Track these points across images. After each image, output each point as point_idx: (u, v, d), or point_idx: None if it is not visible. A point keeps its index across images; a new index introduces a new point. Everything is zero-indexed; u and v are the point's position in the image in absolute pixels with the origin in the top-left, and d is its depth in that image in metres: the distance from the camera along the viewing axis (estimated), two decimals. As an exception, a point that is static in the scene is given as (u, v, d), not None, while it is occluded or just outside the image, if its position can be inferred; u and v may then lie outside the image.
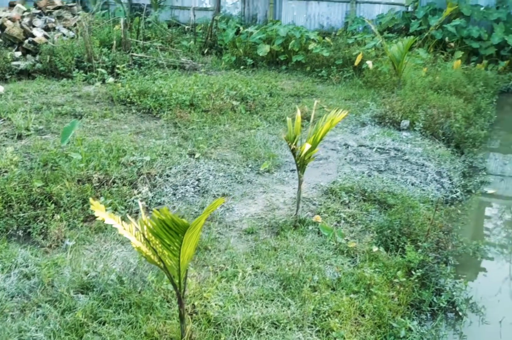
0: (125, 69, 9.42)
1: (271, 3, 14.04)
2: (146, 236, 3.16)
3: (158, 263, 3.27)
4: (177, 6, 14.98)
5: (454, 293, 4.32)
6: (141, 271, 4.14)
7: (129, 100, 8.20)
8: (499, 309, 4.37)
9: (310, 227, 4.87)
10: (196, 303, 3.78)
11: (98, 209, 3.04)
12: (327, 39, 11.67)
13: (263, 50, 10.97)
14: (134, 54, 10.49)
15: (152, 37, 12.19)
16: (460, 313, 4.19)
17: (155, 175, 5.61)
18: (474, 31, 11.64)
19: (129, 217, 3.20)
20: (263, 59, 11.16)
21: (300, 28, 11.61)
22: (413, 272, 4.29)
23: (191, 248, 3.29)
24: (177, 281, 3.33)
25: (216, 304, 3.78)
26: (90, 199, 3.04)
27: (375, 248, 4.59)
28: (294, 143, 4.75)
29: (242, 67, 10.83)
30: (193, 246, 3.30)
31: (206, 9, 14.48)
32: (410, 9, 12.87)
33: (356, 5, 13.55)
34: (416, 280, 4.28)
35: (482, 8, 11.99)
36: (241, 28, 12.12)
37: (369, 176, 5.97)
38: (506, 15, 11.82)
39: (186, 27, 13.27)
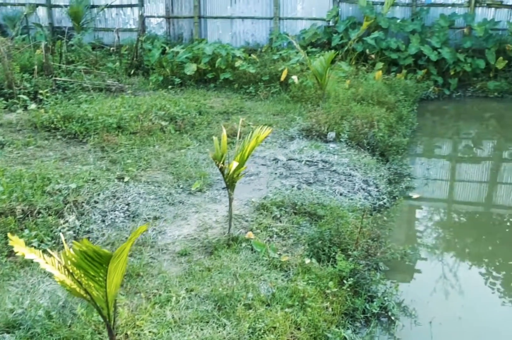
0: (48, 94, 9.18)
1: (196, 22, 14.16)
2: (70, 269, 3.08)
3: (85, 295, 3.18)
4: (100, 28, 14.81)
5: (385, 298, 4.45)
6: (70, 304, 4.01)
7: (53, 126, 7.99)
8: (429, 309, 4.55)
9: (243, 244, 4.89)
10: (129, 333, 3.69)
11: (17, 244, 2.93)
12: (253, 55, 11.87)
13: (190, 69, 11.02)
14: (58, 78, 10.25)
15: (76, 60, 11.97)
16: (393, 318, 4.32)
17: (83, 202, 5.47)
18: (392, 42, 12.21)
19: (49, 251, 3.10)
20: (191, 78, 11.19)
21: (226, 46, 11.76)
22: (345, 281, 4.39)
23: (118, 277, 3.22)
24: (106, 312, 3.25)
25: (150, 332, 3.71)
26: (8, 234, 2.94)
27: (307, 260, 4.66)
28: (222, 162, 4.78)
29: (170, 86, 10.81)
30: (120, 275, 3.24)
31: (130, 30, 14.39)
32: (331, 23, 13.33)
33: (279, 22, 13.89)
34: (349, 289, 4.38)
35: (398, 21, 12.62)
36: (167, 47, 12.11)
37: (299, 189, 6.09)
38: (420, 27, 12.50)
39: (111, 48, 13.11)
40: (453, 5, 12.70)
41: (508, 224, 6.48)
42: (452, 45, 12.27)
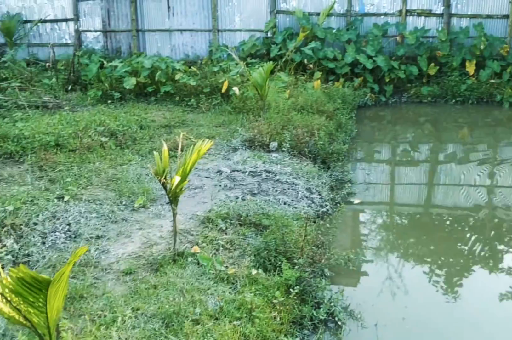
0: (-20, 114, 8.86)
1: (134, 36, 14.06)
2: (7, 296, 2.98)
3: (25, 322, 3.09)
4: (35, 43, 14.45)
5: (332, 304, 4.54)
6: (11, 332, 3.86)
7: (-13, 147, 7.70)
8: (375, 312, 4.67)
9: (189, 259, 4.87)
10: (74, 357, 3.60)
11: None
12: (193, 68, 11.89)
13: (130, 83, 10.90)
14: (-10, 96, 9.92)
15: (10, 77, 11.60)
16: (339, 322, 4.41)
17: (21, 224, 5.29)
18: (329, 52, 12.53)
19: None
20: (131, 92, 11.08)
21: (165, 59, 11.71)
22: (292, 290, 4.45)
23: (59, 302, 3.14)
24: (48, 338, 3.16)
25: (95, 355, 3.62)
26: None
27: (254, 271, 4.69)
28: (164, 177, 4.75)
29: (109, 101, 10.65)
30: (61, 299, 3.16)
31: (66, 44, 14.12)
32: (269, 35, 13.55)
33: (218, 34, 14.00)
34: (295, 297, 4.44)
35: (334, 31, 12.99)
36: (105, 62, 11.95)
37: (244, 200, 6.13)
38: (355, 36, 12.90)
39: (47, 64, 12.80)
40: (386, 14, 13.21)
41: (448, 223, 6.75)
42: (386, 53, 12.73)
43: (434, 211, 7.30)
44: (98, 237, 5.29)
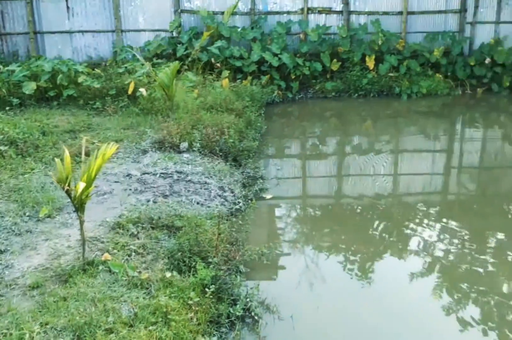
0: None
1: (32, 38, 13.37)
2: None
3: None
4: None
5: (248, 299, 4.59)
6: None
7: None
8: (291, 304, 4.77)
9: (100, 267, 4.72)
10: (-24, 382, 3.38)
11: None
12: (97, 70, 11.52)
13: (29, 87, 10.37)
14: None
15: None
16: (256, 317, 4.47)
17: None
18: (235, 50, 12.62)
19: None
20: (31, 97, 10.53)
21: (66, 61, 11.25)
22: (207, 289, 4.44)
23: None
24: None
25: (1, 376, 3.42)
26: None
27: (168, 274, 4.63)
28: (67, 184, 4.57)
29: (7, 108, 10.04)
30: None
31: (-44, 49, 13.17)
32: (174, 34, 13.40)
33: (122, 34, 13.65)
34: (211, 296, 4.44)
35: (239, 29, 13.08)
36: (1, 66, 11.27)
37: (155, 202, 6.04)
38: (260, 34, 13.09)
39: None
40: (288, 12, 13.51)
41: (357, 211, 7.02)
42: (291, 50, 13.02)
43: (344, 201, 7.58)
44: (0, 252, 4.99)
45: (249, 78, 12.23)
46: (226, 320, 4.33)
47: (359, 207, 7.16)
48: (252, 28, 13.28)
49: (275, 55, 12.63)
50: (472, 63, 13.03)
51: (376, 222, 6.61)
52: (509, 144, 10.03)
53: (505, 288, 5.10)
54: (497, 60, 12.93)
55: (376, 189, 7.82)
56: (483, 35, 13.56)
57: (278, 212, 6.99)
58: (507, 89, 12.96)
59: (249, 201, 6.61)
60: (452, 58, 13.16)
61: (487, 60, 12.95)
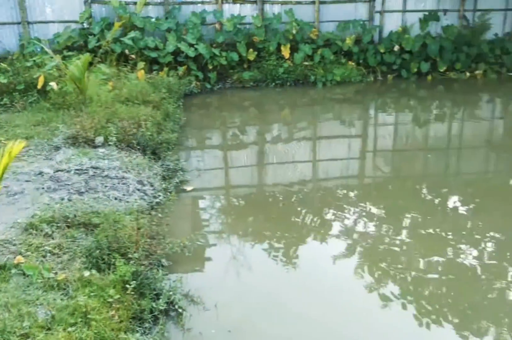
0: None
1: None
2: None
3: None
4: None
5: (171, 293, 4.55)
6: None
7: None
8: (215, 293, 4.78)
9: (13, 271, 4.49)
10: None
11: None
12: (3, 64, 10.88)
13: None
14: None
15: None
16: (180, 310, 4.44)
17: None
18: (150, 41, 12.36)
19: None
20: None
21: (-33, 55, 10.55)
22: (128, 286, 4.36)
23: None
24: None
25: None
26: None
27: (86, 273, 4.49)
28: (-30, 186, 4.30)
29: None
30: None
31: None
32: (85, 25, 12.88)
33: (29, 26, 12.94)
34: (133, 292, 4.35)
35: (153, 20, 12.80)
36: None
37: (70, 200, 5.82)
38: (175, 25, 12.89)
39: None
40: (203, 2, 13.38)
41: (280, 198, 7.13)
42: (207, 40, 12.93)
43: (266, 189, 7.68)
44: None
45: (166, 69, 12.03)
46: (149, 316, 4.27)
47: (281, 195, 7.27)
48: (167, 18, 13.05)
49: (191, 45, 12.50)
50: (382, 51, 13.55)
51: (298, 208, 6.76)
52: (419, 127, 10.55)
53: (421, 264, 5.38)
54: (405, 47, 13.54)
55: (297, 176, 7.98)
56: (391, 23, 14.11)
57: (200, 203, 6.96)
58: (415, 74, 13.61)
59: (170, 194, 6.54)
60: (363, 46, 13.62)
61: (396, 48, 13.53)
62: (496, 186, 7.50)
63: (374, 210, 6.67)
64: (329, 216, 6.52)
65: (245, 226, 6.37)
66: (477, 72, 13.83)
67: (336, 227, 6.20)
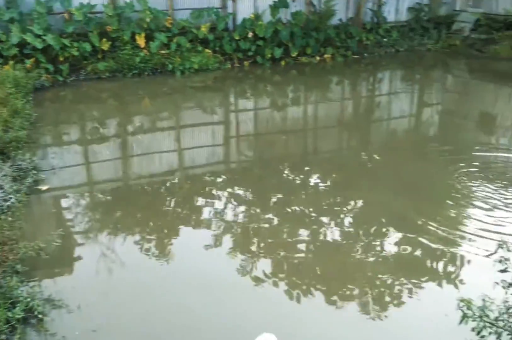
0: None
1: None
2: None
3: None
4: None
5: (29, 299, 4.27)
6: None
7: None
8: (78, 294, 4.59)
9: None
10: None
11: None
12: None
13: None
14: None
15: None
16: (40, 316, 4.20)
17: None
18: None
19: None
20: None
21: None
22: (-24, 298, 4.02)
23: None
24: None
25: None
26: None
27: None
28: None
29: None
30: None
31: None
32: None
33: None
34: (-16, 305, 4.03)
35: (-9, 9, 11.73)
36: None
37: None
38: (18, 14, 11.94)
39: None
40: (42, -10, 12.49)
41: (149, 190, 6.97)
42: (55, 31, 12.17)
43: (132, 182, 7.48)
44: None
45: (11, 62, 11.12)
46: (5, 326, 3.98)
47: (149, 186, 7.12)
48: (8, 8, 12.03)
49: (38, 36, 11.69)
50: (237, 38, 13.77)
51: (168, 198, 6.70)
52: (277, 111, 10.93)
53: (288, 238, 5.60)
54: (259, 34, 13.87)
55: (163, 166, 7.89)
56: (244, 10, 14.36)
57: (57, 202, 6.59)
58: (269, 60, 14.02)
59: (25, 195, 6.10)
60: (218, 34, 13.72)
61: (250, 34, 13.81)
62: (350, 162, 8.06)
63: (241, 193, 6.81)
64: (199, 202, 6.53)
65: (108, 221, 6.17)
66: (326, 56, 14.62)
67: (207, 213, 6.24)
